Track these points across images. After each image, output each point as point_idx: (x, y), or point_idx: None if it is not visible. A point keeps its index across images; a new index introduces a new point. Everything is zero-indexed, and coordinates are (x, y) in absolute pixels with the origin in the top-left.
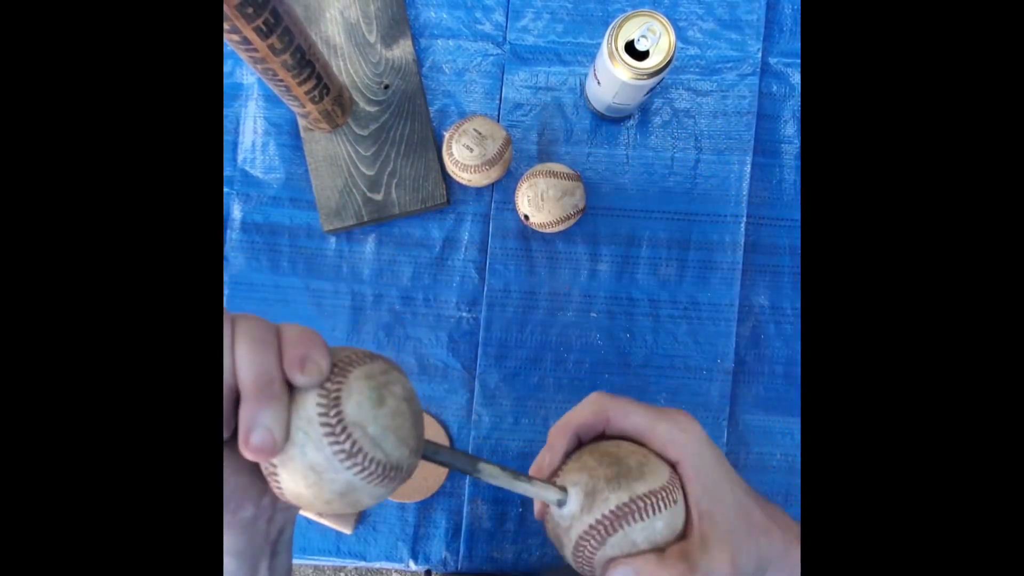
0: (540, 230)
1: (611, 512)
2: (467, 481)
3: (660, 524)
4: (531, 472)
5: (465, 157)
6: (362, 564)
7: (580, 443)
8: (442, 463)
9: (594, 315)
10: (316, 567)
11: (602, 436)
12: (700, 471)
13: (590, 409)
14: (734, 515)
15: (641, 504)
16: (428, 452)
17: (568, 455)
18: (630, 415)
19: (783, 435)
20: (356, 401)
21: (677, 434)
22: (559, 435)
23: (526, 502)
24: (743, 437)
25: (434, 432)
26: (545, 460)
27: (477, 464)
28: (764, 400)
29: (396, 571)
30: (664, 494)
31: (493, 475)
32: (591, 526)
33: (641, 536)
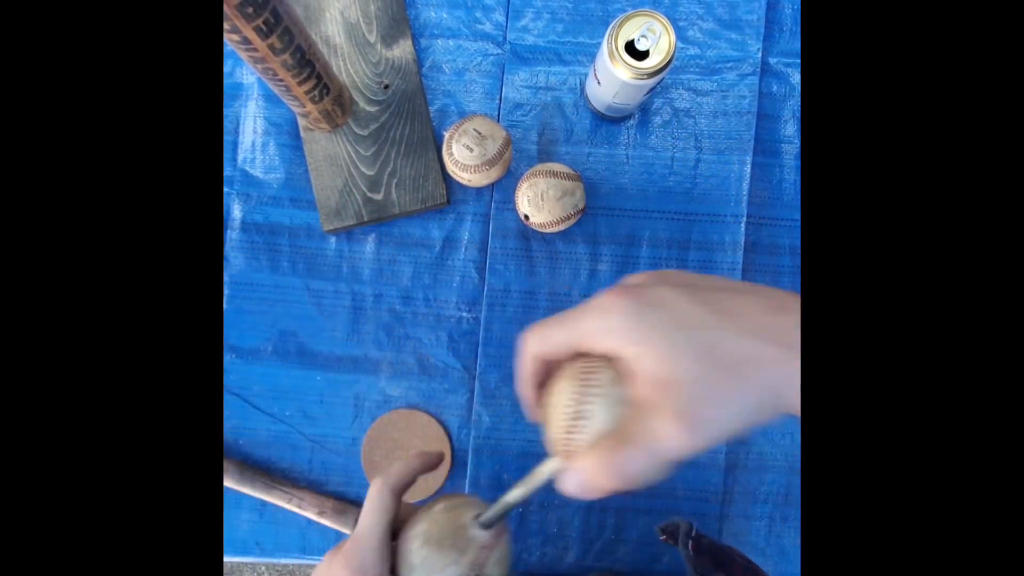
0: (540, 230)
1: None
2: (467, 481)
3: (597, 424)
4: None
5: (465, 157)
6: None
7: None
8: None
9: None
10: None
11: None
12: (637, 348)
13: (526, 360)
14: (693, 364)
15: (566, 435)
16: (485, 523)
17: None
18: (549, 340)
19: (783, 435)
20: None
21: (595, 324)
22: (521, 393)
23: (526, 502)
24: (743, 437)
25: (435, 433)
26: (528, 415)
27: (506, 503)
28: None
29: None
30: (575, 404)
31: (516, 498)
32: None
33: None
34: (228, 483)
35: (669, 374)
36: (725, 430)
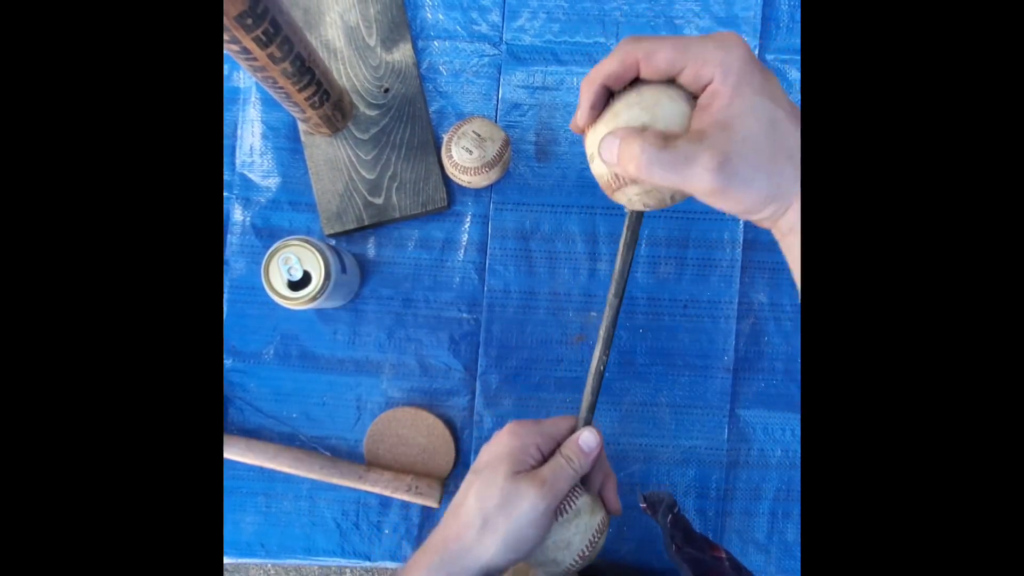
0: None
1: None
2: None
3: (659, 124)
4: (571, 125)
5: (464, 159)
6: (366, 564)
7: (611, 94)
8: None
9: (594, 315)
10: (321, 567)
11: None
12: (734, 85)
13: (616, 56)
14: (762, 132)
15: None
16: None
17: (600, 107)
18: (659, 51)
19: (784, 431)
20: None
21: (714, 51)
22: (584, 88)
23: None
24: (744, 434)
25: (439, 433)
26: (576, 116)
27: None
28: (764, 396)
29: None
30: (646, 105)
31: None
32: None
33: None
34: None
35: (737, 122)
36: (740, 194)
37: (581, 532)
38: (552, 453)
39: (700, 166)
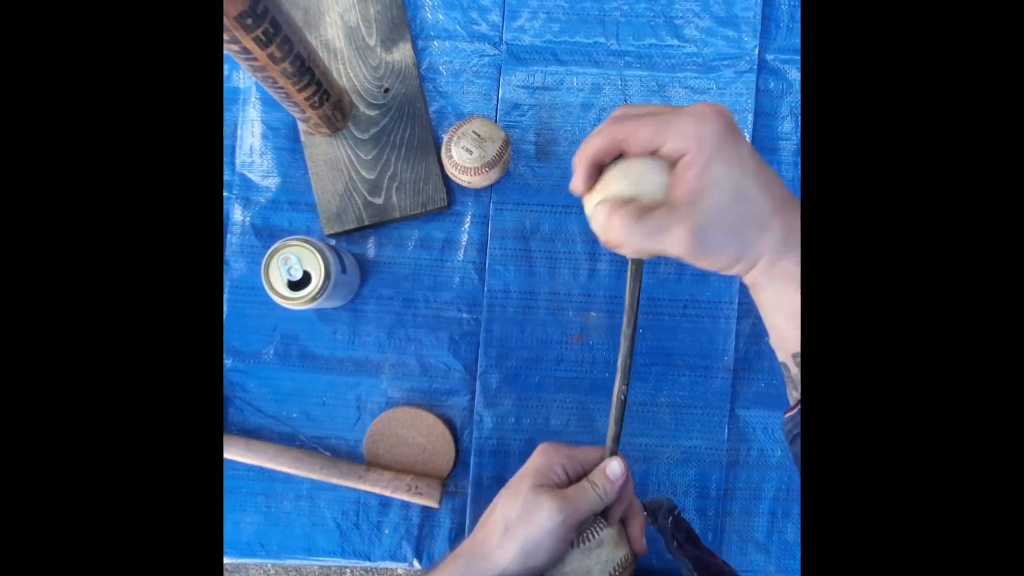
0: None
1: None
2: (469, 482)
3: (646, 197)
4: (570, 188)
5: (464, 159)
6: (366, 564)
7: (602, 167)
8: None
9: (594, 314)
10: (321, 567)
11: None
12: (706, 158)
13: (603, 136)
14: (728, 202)
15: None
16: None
17: (593, 180)
18: (640, 131)
19: (784, 431)
20: None
21: (690, 126)
22: (577, 164)
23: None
24: (744, 433)
25: (439, 433)
26: (575, 187)
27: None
28: (764, 396)
29: (401, 570)
30: (635, 177)
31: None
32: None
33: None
34: (234, 456)
35: (706, 194)
36: (711, 257)
37: (602, 564)
38: (579, 478)
39: (674, 236)
